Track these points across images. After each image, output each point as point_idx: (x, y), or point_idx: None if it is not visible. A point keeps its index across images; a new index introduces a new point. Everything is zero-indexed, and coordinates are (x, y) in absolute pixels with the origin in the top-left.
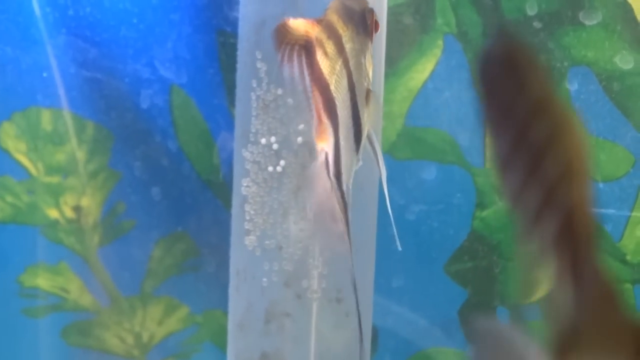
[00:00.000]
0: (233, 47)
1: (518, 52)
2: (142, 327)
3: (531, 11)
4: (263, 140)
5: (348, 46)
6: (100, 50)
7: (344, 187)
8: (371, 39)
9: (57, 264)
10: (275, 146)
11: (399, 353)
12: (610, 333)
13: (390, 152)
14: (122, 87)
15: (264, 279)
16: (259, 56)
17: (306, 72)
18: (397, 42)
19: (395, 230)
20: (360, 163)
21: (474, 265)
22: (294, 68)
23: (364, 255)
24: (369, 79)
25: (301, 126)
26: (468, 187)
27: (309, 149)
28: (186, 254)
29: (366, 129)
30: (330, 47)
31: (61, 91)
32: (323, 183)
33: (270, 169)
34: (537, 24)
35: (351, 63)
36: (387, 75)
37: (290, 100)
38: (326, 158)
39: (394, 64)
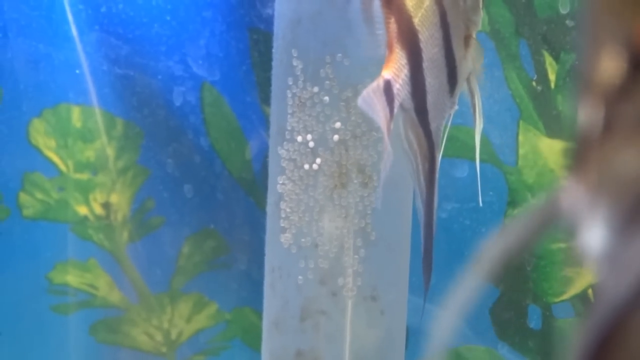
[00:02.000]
0: (266, 45)
1: None
2: (170, 324)
3: (564, 9)
4: (299, 138)
5: None
6: (132, 47)
7: (433, 127)
8: None
9: (87, 260)
10: (311, 144)
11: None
12: None
13: None
14: (154, 84)
15: (300, 277)
16: (294, 54)
17: None
18: None
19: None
20: (456, 107)
21: (505, 264)
22: None
23: (398, 254)
24: (474, 24)
25: (337, 124)
26: (500, 185)
27: (345, 147)
28: (216, 251)
29: (464, 73)
30: None
31: (92, 88)
32: (376, 108)
33: (306, 166)
34: (569, 22)
35: (446, 2)
36: None
37: (326, 98)
38: (386, 85)
39: None
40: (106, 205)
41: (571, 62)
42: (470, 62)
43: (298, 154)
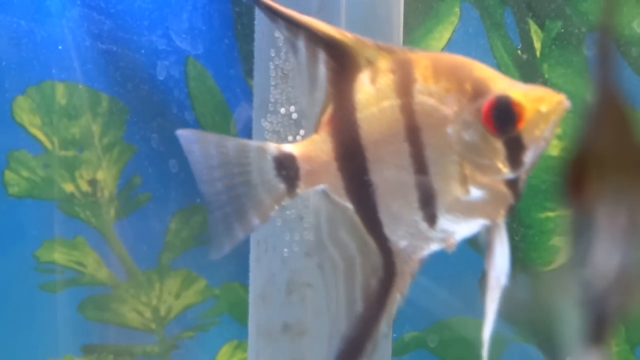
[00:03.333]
0: (249, 17)
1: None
2: (159, 300)
3: None
4: (282, 110)
5: (421, 98)
6: (115, 22)
7: (393, 246)
8: (491, 130)
9: (74, 238)
10: (294, 115)
11: (419, 322)
12: (624, 155)
13: None
14: (138, 59)
15: (285, 250)
16: None
17: (327, 74)
18: (413, 9)
19: None
20: (451, 246)
21: None
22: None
23: None
24: (487, 169)
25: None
26: None
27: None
28: (203, 226)
29: (456, 212)
30: (386, 79)
31: (76, 64)
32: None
33: (290, 138)
34: None
35: (420, 118)
36: (404, 43)
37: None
38: (286, 158)
39: (411, 32)
40: (92, 182)
41: (556, 30)
42: (486, 212)
43: (282, 126)
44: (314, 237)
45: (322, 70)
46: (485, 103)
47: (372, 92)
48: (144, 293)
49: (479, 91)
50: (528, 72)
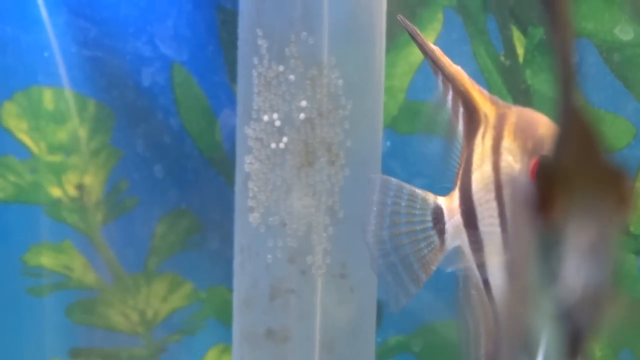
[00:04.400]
0: (233, 24)
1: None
2: (146, 304)
3: None
4: (265, 117)
5: (505, 155)
6: (100, 28)
7: (500, 310)
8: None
9: (61, 242)
10: (277, 123)
11: (404, 326)
12: (590, 171)
13: (392, 126)
14: (123, 65)
15: (269, 256)
16: (260, 33)
17: (463, 127)
18: (395, 16)
19: None
20: None
21: None
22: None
23: None
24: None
25: (303, 102)
26: None
27: (312, 125)
28: (189, 231)
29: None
30: (489, 135)
31: (62, 70)
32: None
33: (273, 145)
34: None
35: (502, 176)
36: (387, 50)
37: (292, 77)
38: (436, 209)
39: (394, 39)
40: (80, 187)
41: (539, 36)
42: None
43: (265, 133)
44: (296, 244)
45: (460, 123)
46: (533, 162)
47: (481, 149)
48: (131, 297)
49: (535, 150)
50: (511, 78)
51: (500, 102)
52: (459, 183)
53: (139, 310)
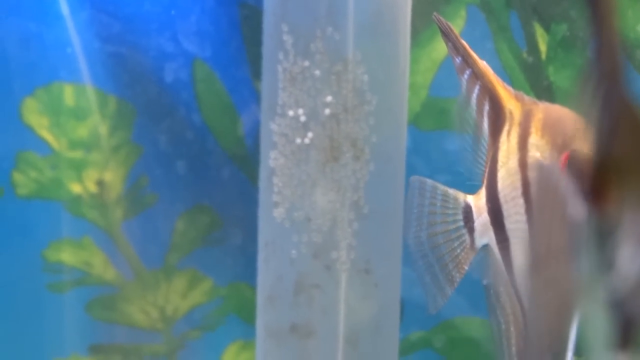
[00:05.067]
0: (256, 20)
1: None
2: (166, 300)
3: None
4: (290, 113)
5: (533, 152)
6: (123, 24)
7: (527, 310)
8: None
9: (81, 238)
10: (302, 118)
11: (426, 322)
12: None
13: (414, 123)
14: (146, 61)
15: (293, 251)
16: (285, 29)
17: (488, 125)
18: (420, 13)
19: None
20: None
21: None
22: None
23: (391, 227)
24: None
25: (328, 98)
26: None
27: (337, 121)
28: (210, 227)
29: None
30: (515, 132)
31: (84, 66)
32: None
33: (298, 141)
34: None
35: (529, 173)
36: (411, 47)
37: (317, 72)
38: (466, 208)
39: (418, 35)
40: (100, 183)
41: (562, 33)
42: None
43: (290, 129)
44: (321, 239)
45: (485, 121)
46: (564, 156)
47: (507, 146)
48: (151, 293)
49: (565, 145)
50: (533, 75)
51: (526, 98)
52: (485, 181)
53: (158, 307)
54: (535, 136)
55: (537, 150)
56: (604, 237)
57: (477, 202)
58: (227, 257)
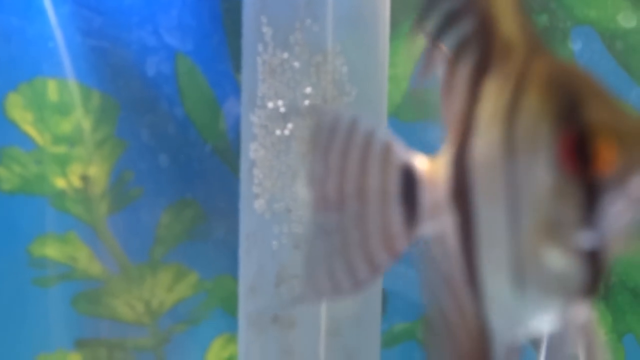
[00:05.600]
0: (237, 13)
1: None
2: (151, 294)
3: None
4: (270, 104)
5: (524, 122)
6: (105, 18)
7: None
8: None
9: (66, 233)
10: (282, 109)
11: (409, 315)
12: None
13: (395, 115)
14: (128, 55)
15: (274, 242)
16: (264, 20)
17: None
18: (399, 3)
19: None
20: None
21: None
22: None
23: None
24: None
25: (308, 89)
26: None
27: (316, 112)
28: (194, 221)
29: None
30: (505, 90)
31: (66, 61)
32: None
33: (278, 132)
34: None
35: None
36: (391, 38)
37: (296, 64)
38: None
39: (397, 27)
40: (84, 178)
41: (542, 23)
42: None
43: (269, 120)
44: (302, 230)
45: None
46: (568, 138)
47: (493, 104)
48: (136, 287)
49: (572, 119)
50: None
51: (537, 36)
52: (451, 146)
53: (144, 301)
54: (533, 96)
55: (532, 117)
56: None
57: (432, 171)
58: (212, 251)
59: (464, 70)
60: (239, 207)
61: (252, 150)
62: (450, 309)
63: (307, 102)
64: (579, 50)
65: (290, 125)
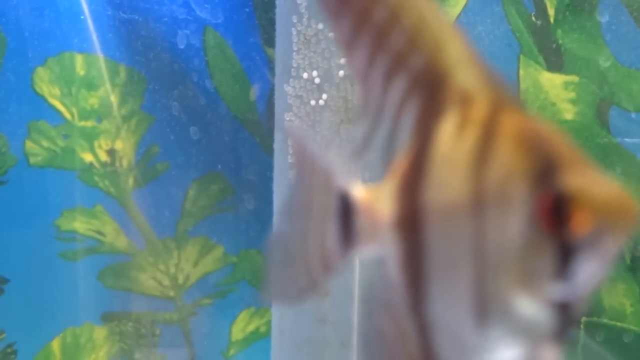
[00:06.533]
0: None
1: None
2: (177, 268)
3: None
4: (305, 75)
5: (495, 172)
6: None
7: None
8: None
9: (93, 207)
10: (317, 80)
11: None
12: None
13: None
14: (158, 28)
15: None
16: None
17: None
18: None
19: None
20: None
21: None
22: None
23: None
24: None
25: (342, 60)
26: None
27: (351, 82)
28: (221, 194)
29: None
30: (471, 133)
31: (95, 35)
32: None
33: (313, 102)
34: None
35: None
36: None
37: (331, 35)
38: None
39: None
40: (111, 152)
41: None
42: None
43: (304, 91)
44: None
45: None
46: (545, 197)
47: (452, 148)
48: (163, 261)
49: (549, 179)
50: (542, 38)
51: (506, 86)
52: (395, 180)
53: (170, 275)
54: (508, 149)
55: (504, 172)
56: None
57: (371, 198)
58: (239, 224)
59: (412, 110)
60: (267, 180)
61: (287, 120)
62: (389, 333)
63: (341, 73)
64: (606, 22)
65: (324, 96)
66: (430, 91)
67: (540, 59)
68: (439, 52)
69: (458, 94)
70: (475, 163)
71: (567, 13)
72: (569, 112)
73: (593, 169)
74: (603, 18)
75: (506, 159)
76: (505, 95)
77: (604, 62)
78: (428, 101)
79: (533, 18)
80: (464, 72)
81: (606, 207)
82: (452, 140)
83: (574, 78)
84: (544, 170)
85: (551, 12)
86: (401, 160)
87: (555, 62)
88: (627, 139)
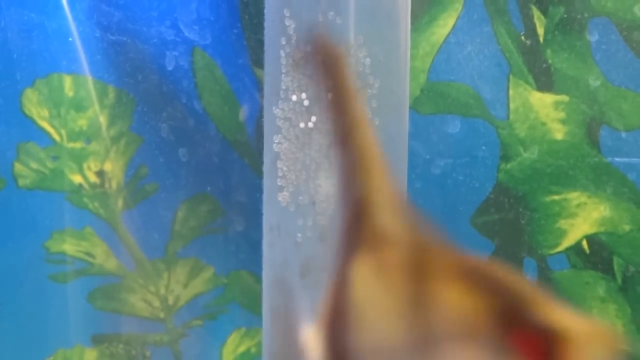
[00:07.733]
0: (256, 7)
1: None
2: (167, 289)
3: None
4: (294, 97)
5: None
6: (124, 13)
7: None
8: None
9: (83, 229)
10: (306, 102)
11: None
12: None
13: (414, 107)
14: (147, 50)
15: (299, 235)
16: (287, 14)
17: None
18: None
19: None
20: None
21: (500, 218)
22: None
23: None
24: None
25: (331, 82)
26: (492, 139)
27: None
28: (211, 215)
29: None
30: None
31: (84, 56)
32: None
33: (302, 125)
34: None
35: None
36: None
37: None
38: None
39: (416, 20)
40: (100, 174)
41: (559, 15)
42: None
43: (293, 113)
44: (326, 222)
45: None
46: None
47: (373, 296)
48: (153, 282)
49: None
50: (532, 58)
51: (422, 234)
52: (322, 326)
53: (160, 296)
54: (448, 290)
55: (456, 310)
56: None
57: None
58: (228, 245)
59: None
60: (256, 201)
61: (276, 143)
62: None
63: (330, 95)
64: (595, 41)
65: (314, 118)
66: (353, 231)
67: (530, 78)
68: (366, 190)
69: (376, 235)
70: (415, 305)
71: (557, 32)
72: (559, 132)
73: (558, 302)
74: (593, 37)
75: (454, 296)
76: (426, 239)
77: (594, 82)
78: (349, 240)
79: (522, 38)
80: (383, 215)
81: (586, 340)
82: (370, 284)
83: (564, 98)
84: (511, 306)
85: (540, 31)
86: (322, 304)
87: (545, 81)
88: (617, 159)
